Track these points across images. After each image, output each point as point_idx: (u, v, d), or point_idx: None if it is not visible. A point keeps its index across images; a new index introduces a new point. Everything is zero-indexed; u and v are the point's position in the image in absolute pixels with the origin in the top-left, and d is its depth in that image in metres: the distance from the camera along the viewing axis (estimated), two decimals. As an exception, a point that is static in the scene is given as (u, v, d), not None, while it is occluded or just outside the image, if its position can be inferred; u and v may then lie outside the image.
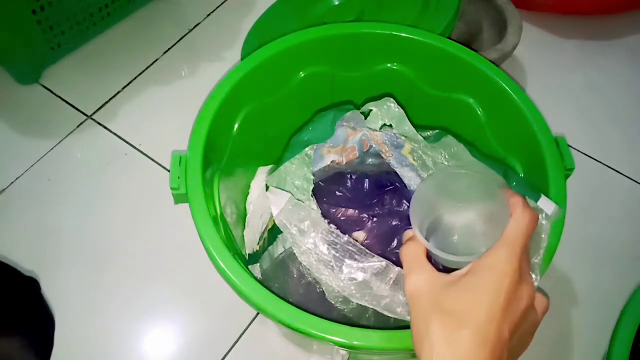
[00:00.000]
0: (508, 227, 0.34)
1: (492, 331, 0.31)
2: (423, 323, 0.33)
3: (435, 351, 0.31)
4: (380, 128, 0.52)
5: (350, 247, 0.41)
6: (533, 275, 0.37)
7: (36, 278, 0.54)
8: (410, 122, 0.51)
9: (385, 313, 0.40)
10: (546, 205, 0.41)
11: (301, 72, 0.56)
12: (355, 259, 0.40)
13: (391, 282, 0.40)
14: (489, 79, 0.51)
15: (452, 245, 0.38)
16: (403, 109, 0.52)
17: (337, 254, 0.40)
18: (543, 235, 0.40)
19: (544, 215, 0.41)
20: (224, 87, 0.50)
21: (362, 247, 0.41)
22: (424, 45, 0.54)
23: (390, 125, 0.52)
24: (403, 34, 0.54)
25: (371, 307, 0.40)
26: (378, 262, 0.40)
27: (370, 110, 0.52)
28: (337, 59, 0.56)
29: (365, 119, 0.52)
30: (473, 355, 0.31)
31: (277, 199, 0.44)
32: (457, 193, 0.39)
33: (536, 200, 0.41)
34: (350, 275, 0.40)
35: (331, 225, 0.42)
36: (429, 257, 0.36)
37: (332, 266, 0.40)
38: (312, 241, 0.41)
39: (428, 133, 0.54)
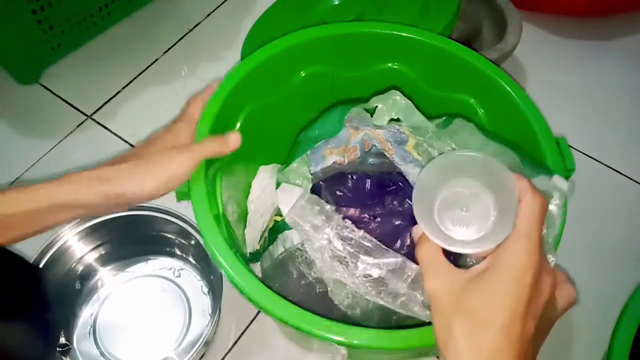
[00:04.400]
0: (521, 216, 0.33)
1: (517, 330, 0.31)
2: (445, 324, 0.32)
3: (462, 353, 0.31)
4: (388, 123, 0.51)
5: (365, 243, 0.40)
6: (550, 257, 0.36)
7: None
8: (420, 111, 0.51)
9: (401, 311, 0.39)
10: (560, 183, 0.41)
11: (302, 72, 0.56)
12: (371, 255, 0.40)
13: (409, 280, 0.39)
14: (490, 79, 0.51)
15: (463, 228, 0.37)
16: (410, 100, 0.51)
17: (352, 250, 0.40)
18: (556, 213, 0.39)
19: (559, 194, 0.40)
20: (226, 86, 0.50)
21: (378, 243, 0.40)
22: (425, 45, 0.53)
23: (398, 119, 0.51)
24: (404, 34, 0.54)
25: (386, 304, 0.39)
26: (394, 259, 0.40)
27: (376, 106, 0.52)
28: (338, 59, 0.56)
29: (372, 116, 0.52)
30: (502, 354, 0.30)
31: (287, 196, 0.43)
32: (458, 177, 0.37)
33: (550, 178, 0.40)
34: (365, 271, 0.40)
35: (345, 220, 0.41)
36: (446, 252, 0.35)
37: (347, 262, 0.40)
38: (326, 237, 0.41)
39: (436, 121, 0.53)
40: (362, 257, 0.40)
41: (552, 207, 0.41)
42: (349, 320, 0.44)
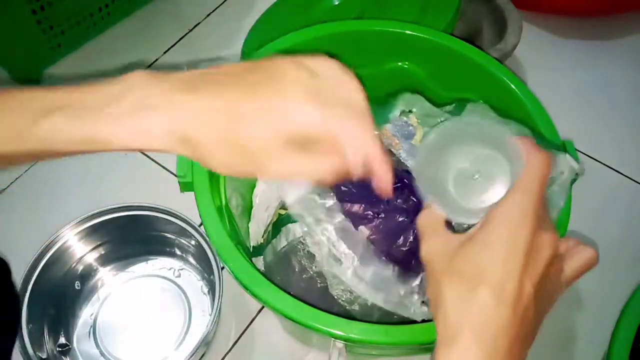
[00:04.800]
0: (524, 173, 0.31)
1: (511, 288, 0.29)
2: (435, 288, 0.31)
3: (450, 315, 0.29)
4: (400, 115, 0.51)
5: (362, 249, 0.40)
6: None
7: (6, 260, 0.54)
8: (432, 102, 0.50)
9: (397, 312, 0.39)
10: (571, 161, 0.40)
11: None
12: (367, 263, 0.40)
13: (406, 285, 0.39)
14: (498, 80, 0.51)
15: (475, 197, 0.35)
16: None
17: (349, 251, 0.40)
18: (560, 188, 0.39)
19: (568, 169, 0.40)
20: None
21: (373, 252, 0.41)
22: (436, 45, 0.53)
23: (410, 111, 0.51)
24: (416, 33, 0.54)
25: (381, 305, 0.39)
26: (389, 270, 0.40)
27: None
28: (349, 56, 0.55)
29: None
30: (492, 316, 0.28)
31: (293, 187, 0.43)
32: (466, 144, 0.36)
33: (564, 156, 0.41)
34: (359, 274, 0.40)
35: (347, 218, 0.41)
36: (450, 224, 0.34)
37: (341, 262, 0.40)
38: (327, 233, 0.41)
39: (447, 108, 0.53)
40: (357, 262, 0.40)
41: (556, 188, 0.41)
42: (349, 316, 0.44)
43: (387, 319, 0.42)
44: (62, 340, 0.59)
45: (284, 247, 0.47)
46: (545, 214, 0.32)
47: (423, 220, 0.34)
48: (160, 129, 0.29)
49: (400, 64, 0.57)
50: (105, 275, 0.64)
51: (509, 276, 0.29)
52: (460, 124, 0.36)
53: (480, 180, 0.35)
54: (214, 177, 0.46)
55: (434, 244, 0.32)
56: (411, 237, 0.51)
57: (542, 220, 0.31)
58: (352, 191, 0.54)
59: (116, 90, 0.31)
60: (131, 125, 0.29)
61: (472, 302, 0.29)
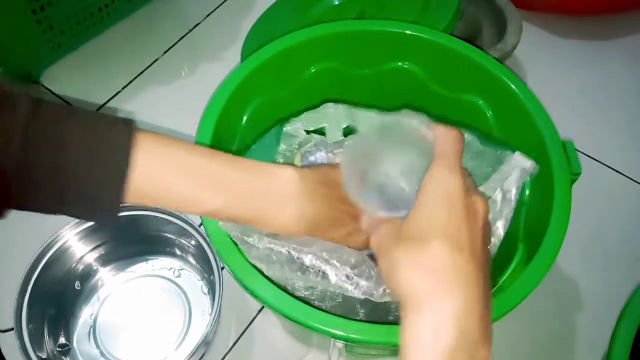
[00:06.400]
0: (436, 146, 0.33)
1: (465, 237, 0.28)
2: (387, 260, 0.30)
3: (408, 277, 0.28)
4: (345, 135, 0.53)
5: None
6: (492, 239, 0.37)
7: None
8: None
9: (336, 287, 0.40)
10: (522, 161, 0.41)
11: (312, 68, 0.56)
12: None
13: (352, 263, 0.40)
14: (498, 80, 0.51)
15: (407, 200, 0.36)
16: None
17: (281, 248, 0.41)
18: (512, 189, 0.40)
19: (519, 170, 0.40)
20: (235, 78, 0.50)
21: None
22: (436, 45, 0.53)
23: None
24: (415, 33, 0.54)
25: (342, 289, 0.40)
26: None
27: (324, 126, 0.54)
28: (348, 56, 0.56)
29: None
30: (455, 266, 0.27)
31: None
32: (392, 147, 0.37)
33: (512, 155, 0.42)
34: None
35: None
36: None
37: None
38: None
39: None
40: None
41: (507, 186, 0.41)
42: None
43: (374, 313, 0.42)
44: (62, 340, 0.59)
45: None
46: (471, 182, 0.33)
47: (366, 222, 0.36)
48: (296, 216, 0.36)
49: (400, 64, 0.57)
50: (105, 275, 0.64)
51: (459, 227, 0.29)
52: (376, 131, 0.37)
53: (408, 188, 0.35)
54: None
55: (381, 231, 0.33)
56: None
57: (469, 185, 0.32)
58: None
59: (273, 183, 0.36)
60: (281, 213, 0.36)
61: (427, 254, 0.28)
